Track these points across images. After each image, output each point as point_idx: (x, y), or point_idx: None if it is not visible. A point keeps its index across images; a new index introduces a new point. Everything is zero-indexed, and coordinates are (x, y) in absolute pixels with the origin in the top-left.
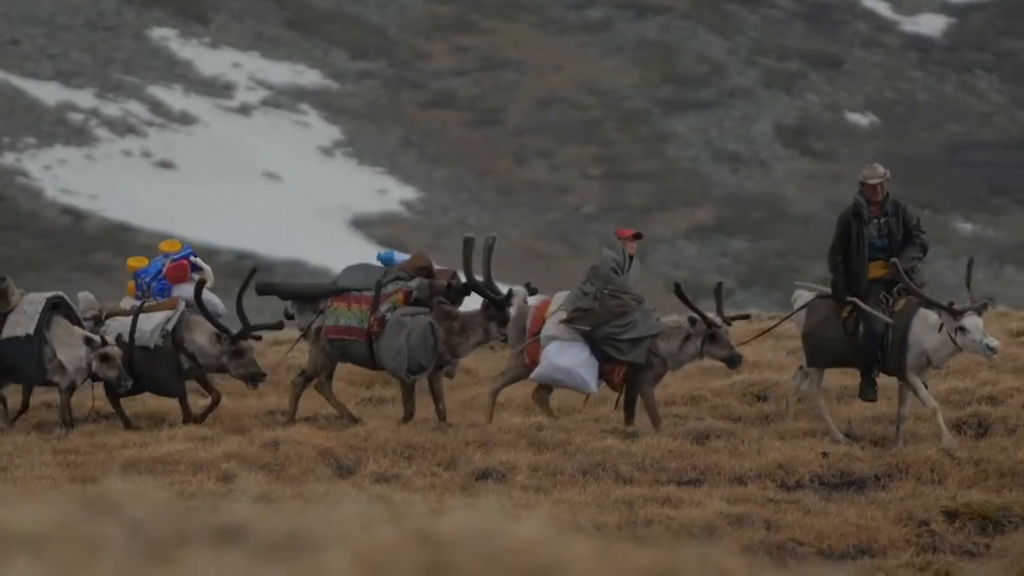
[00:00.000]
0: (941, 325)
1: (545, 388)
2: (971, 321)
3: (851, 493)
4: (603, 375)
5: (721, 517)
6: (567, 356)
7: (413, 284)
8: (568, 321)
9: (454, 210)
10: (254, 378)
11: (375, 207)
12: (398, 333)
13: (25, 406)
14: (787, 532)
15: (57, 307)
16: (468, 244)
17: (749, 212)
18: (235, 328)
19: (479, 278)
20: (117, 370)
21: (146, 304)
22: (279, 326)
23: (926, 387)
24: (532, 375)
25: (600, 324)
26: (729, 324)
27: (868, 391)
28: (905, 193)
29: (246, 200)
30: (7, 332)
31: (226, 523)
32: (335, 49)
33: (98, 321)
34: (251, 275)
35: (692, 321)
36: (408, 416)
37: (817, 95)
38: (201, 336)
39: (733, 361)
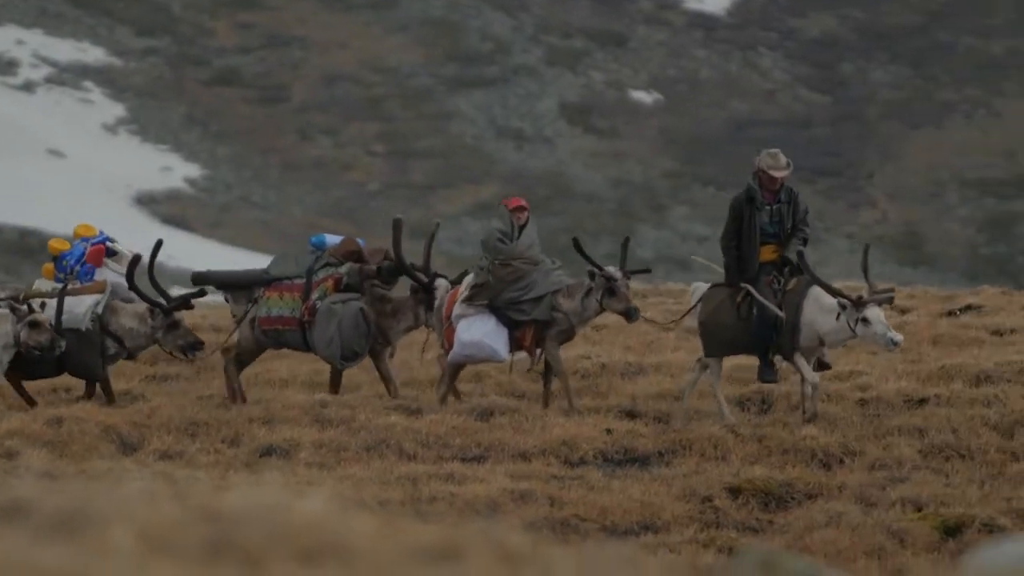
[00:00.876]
0: (839, 313)
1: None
2: (874, 313)
3: (635, 469)
4: (515, 342)
5: (505, 493)
6: (473, 330)
7: (343, 270)
8: (468, 299)
9: (238, 187)
10: (193, 347)
11: (159, 184)
12: (329, 321)
13: None
14: (571, 508)
15: None
16: (397, 226)
17: (533, 189)
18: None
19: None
20: (49, 334)
21: (70, 287)
22: (202, 293)
23: (829, 367)
24: (448, 358)
25: (497, 294)
26: (629, 278)
27: (766, 374)
28: (689, 171)
29: (30, 177)
30: None
31: (9, 500)
32: (119, 26)
33: (15, 302)
34: (157, 247)
35: (591, 275)
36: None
37: (601, 73)
38: (128, 318)
39: (630, 314)
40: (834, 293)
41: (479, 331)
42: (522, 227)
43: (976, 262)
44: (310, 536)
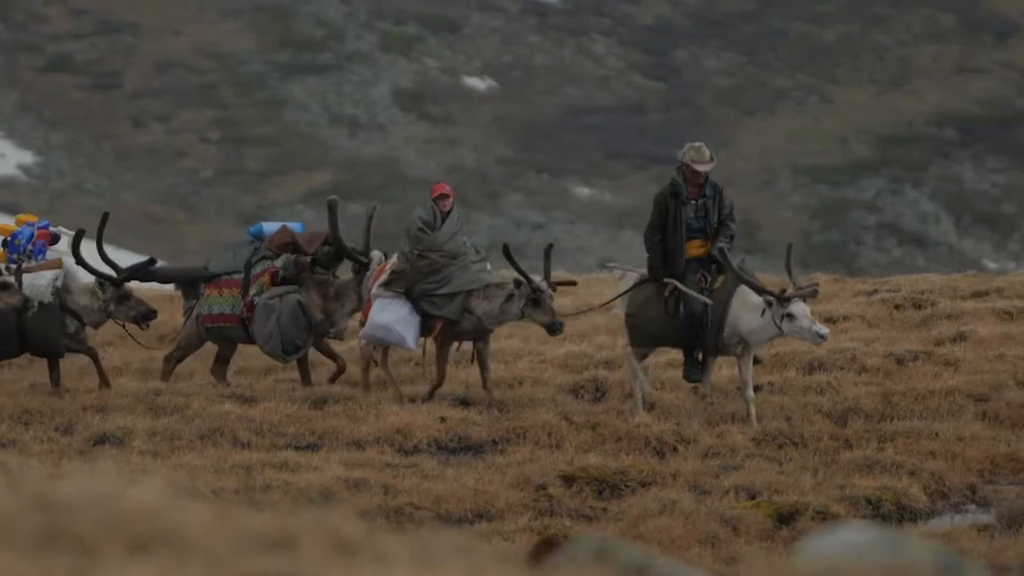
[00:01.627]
0: (764, 310)
1: (379, 349)
2: (798, 308)
3: (469, 458)
4: (427, 331)
5: (339, 482)
6: (386, 313)
7: (279, 263)
8: (386, 284)
9: (71, 174)
10: (145, 316)
11: None
12: (267, 317)
13: None
14: (405, 497)
15: None
16: (333, 207)
17: (367, 176)
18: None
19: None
20: (20, 295)
21: (25, 265)
22: (152, 262)
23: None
24: (360, 333)
25: (412, 284)
26: (554, 289)
27: (691, 372)
28: (523, 157)
29: None
30: None
31: None
32: None
33: None
34: (103, 220)
35: (518, 283)
36: (304, 382)
37: (435, 59)
38: (81, 295)
39: (553, 328)
40: (759, 290)
41: (391, 315)
42: (446, 215)
43: (809, 249)
44: (143, 525)
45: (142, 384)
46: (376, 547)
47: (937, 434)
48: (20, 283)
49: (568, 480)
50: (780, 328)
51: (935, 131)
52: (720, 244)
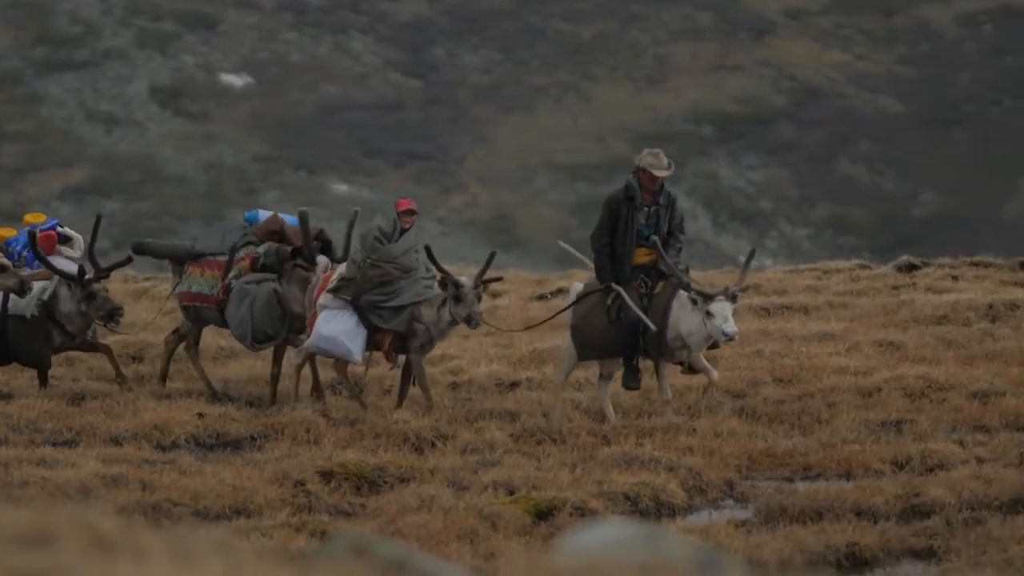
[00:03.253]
0: (694, 302)
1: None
2: (717, 307)
3: (227, 454)
4: (374, 344)
5: (96, 478)
6: (332, 325)
7: (261, 250)
8: (334, 291)
9: None
10: (111, 314)
11: None
12: (240, 302)
13: None
14: (163, 493)
15: None
16: (304, 219)
17: (124, 173)
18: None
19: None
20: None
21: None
22: (128, 261)
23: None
24: (304, 346)
25: (361, 293)
26: (480, 287)
27: (631, 379)
28: (281, 154)
29: None
30: None
31: None
32: None
33: None
34: (97, 222)
35: (443, 284)
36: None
37: (192, 56)
38: (66, 304)
39: (471, 319)
40: (684, 286)
41: (338, 327)
42: (404, 231)
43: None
44: None
45: None
46: (134, 543)
47: (695, 430)
48: (8, 293)
49: (326, 476)
50: (705, 326)
51: (692, 128)
52: (653, 238)
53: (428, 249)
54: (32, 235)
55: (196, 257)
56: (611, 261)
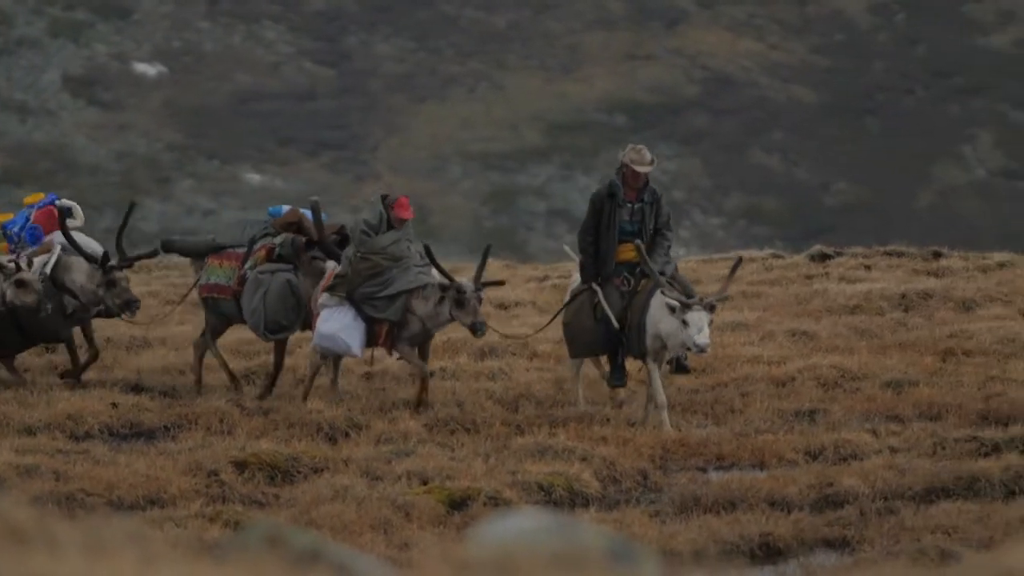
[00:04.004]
0: (672, 309)
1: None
2: (694, 316)
3: (141, 444)
4: (374, 339)
5: (10, 468)
6: (331, 322)
7: (277, 240)
8: (330, 289)
9: None
10: (128, 305)
11: None
12: (254, 291)
13: None
14: (76, 483)
15: None
16: (316, 209)
17: (37, 162)
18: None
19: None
20: (36, 294)
21: (23, 254)
22: (154, 254)
23: (687, 370)
24: (312, 345)
25: (355, 288)
26: (480, 290)
27: (615, 377)
28: (194, 144)
29: None
30: None
31: None
32: None
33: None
34: (131, 209)
35: (444, 287)
36: (272, 378)
37: (105, 45)
38: (79, 274)
39: (475, 328)
40: (666, 293)
41: (336, 324)
42: (393, 220)
43: (480, 235)
44: None
45: None
46: (47, 534)
47: (608, 420)
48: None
49: (240, 466)
50: (680, 332)
51: (605, 118)
52: (636, 241)
53: (428, 249)
54: (61, 214)
55: (217, 250)
56: (595, 260)
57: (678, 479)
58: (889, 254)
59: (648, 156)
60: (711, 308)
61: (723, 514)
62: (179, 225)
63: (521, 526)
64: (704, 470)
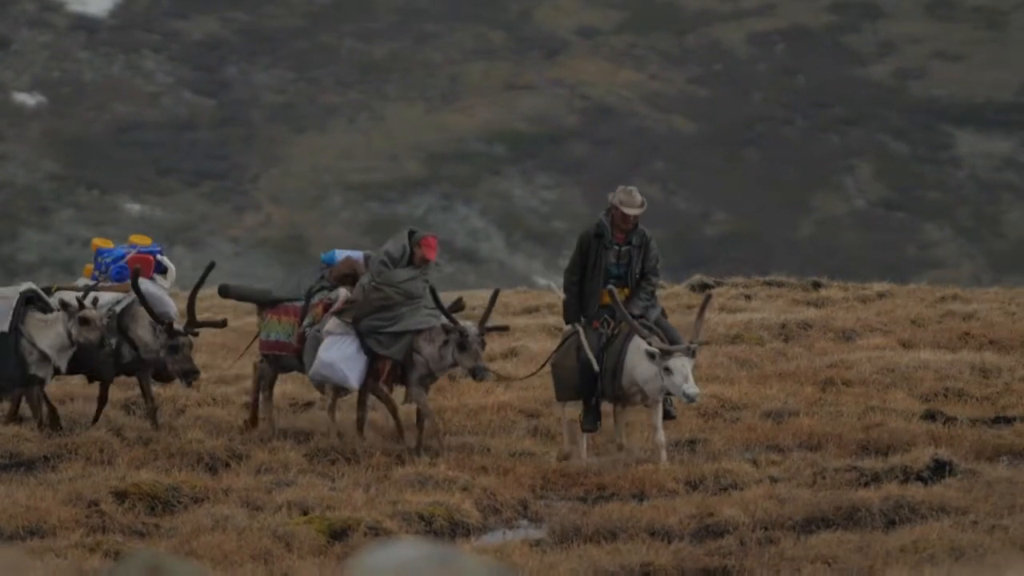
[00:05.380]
0: (651, 356)
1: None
2: (676, 363)
3: (20, 474)
4: (374, 373)
5: None
6: (333, 351)
7: (332, 296)
8: (338, 313)
9: None
10: (187, 375)
11: None
12: (315, 349)
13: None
14: None
15: (31, 301)
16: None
17: None
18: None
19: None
20: (99, 331)
21: (99, 284)
22: (222, 323)
23: (672, 416)
24: (309, 373)
25: (362, 316)
26: (484, 334)
27: (587, 421)
28: (74, 173)
29: None
30: None
31: None
32: None
33: (47, 294)
34: (208, 270)
35: (447, 329)
36: (360, 421)
37: None
38: (145, 330)
39: (476, 373)
40: (642, 336)
41: (337, 354)
42: (415, 258)
43: None
44: None
45: None
46: None
47: (489, 449)
48: (84, 299)
49: (120, 496)
50: (662, 380)
51: (485, 148)
52: (609, 287)
53: (433, 291)
54: (135, 272)
55: (274, 304)
56: (578, 301)
57: (559, 509)
58: (769, 284)
59: (639, 198)
60: (692, 353)
61: (604, 544)
62: (59, 255)
63: (401, 556)
64: (585, 500)
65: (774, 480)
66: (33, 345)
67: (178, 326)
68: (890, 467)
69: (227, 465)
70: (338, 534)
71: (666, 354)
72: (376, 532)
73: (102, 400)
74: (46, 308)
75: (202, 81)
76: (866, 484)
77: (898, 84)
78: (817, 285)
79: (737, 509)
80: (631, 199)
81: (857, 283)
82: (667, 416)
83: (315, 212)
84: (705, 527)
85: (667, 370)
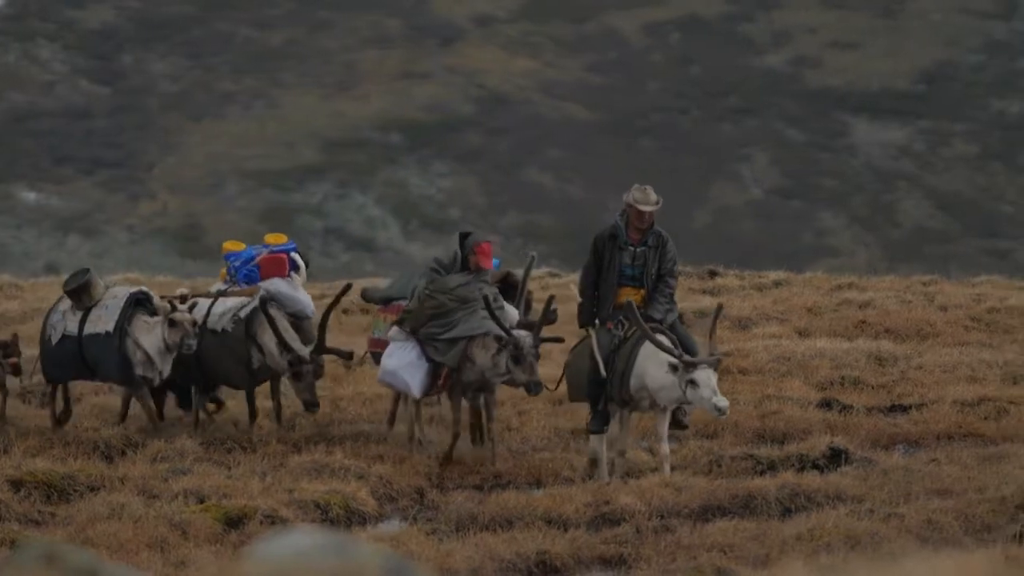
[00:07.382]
0: (675, 368)
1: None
2: (702, 375)
3: None
4: (437, 377)
5: None
6: (395, 358)
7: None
8: (398, 323)
9: None
10: (306, 406)
11: None
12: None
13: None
14: None
15: (140, 303)
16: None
17: None
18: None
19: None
20: (182, 332)
21: (229, 289)
22: (349, 356)
23: (685, 426)
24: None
25: (419, 325)
26: (538, 345)
27: (594, 423)
28: None
29: None
30: (89, 328)
31: None
32: None
33: (182, 302)
34: (344, 291)
35: (498, 339)
36: (453, 437)
37: None
38: (270, 339)
39: (531, 388)
40: (668, 351)
41: (398, 361)
42: (468, 263)
43: None
44: None
45: None
46: None
47: (386, 438)
48: (213, 305)
49: (16, 485)
50: (684, 392)
51: (381, 136)
52: (628, 299)
53: (487, 299)
54: (262, 302)
55: (387, 302)
56: (592, 303)
57: (455, 497)
58: None
59: (653, 196)
60: (715, 365)
61: (500, 532)
62: None
63: (297, 544)
64: (481, 488)
65: (670, 468)
66: (138, 346)
67: (304, 352)
68: (786, 455)
69: (123, 453)
70: (234, 522)
71: (690, 366)
72: (272, 520)
73: (252, 411)
74: (154, 311)
75: (97, 70)
76: (762, 472)
77: (794, 73)
78: (713, 274)
79: (633, 497)
80: (645, 196)
81: (753, 272)
82: (680, 426)
83: (211, 200)
84: (601, 515)
85: (692, 383)
